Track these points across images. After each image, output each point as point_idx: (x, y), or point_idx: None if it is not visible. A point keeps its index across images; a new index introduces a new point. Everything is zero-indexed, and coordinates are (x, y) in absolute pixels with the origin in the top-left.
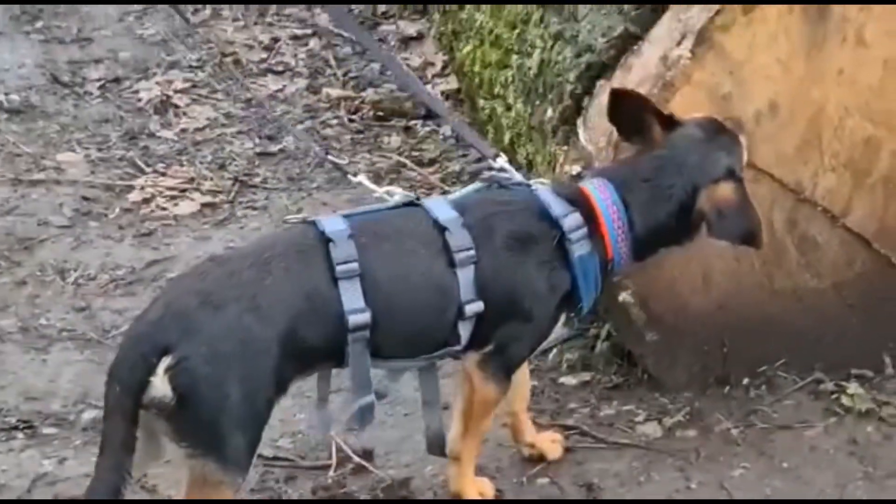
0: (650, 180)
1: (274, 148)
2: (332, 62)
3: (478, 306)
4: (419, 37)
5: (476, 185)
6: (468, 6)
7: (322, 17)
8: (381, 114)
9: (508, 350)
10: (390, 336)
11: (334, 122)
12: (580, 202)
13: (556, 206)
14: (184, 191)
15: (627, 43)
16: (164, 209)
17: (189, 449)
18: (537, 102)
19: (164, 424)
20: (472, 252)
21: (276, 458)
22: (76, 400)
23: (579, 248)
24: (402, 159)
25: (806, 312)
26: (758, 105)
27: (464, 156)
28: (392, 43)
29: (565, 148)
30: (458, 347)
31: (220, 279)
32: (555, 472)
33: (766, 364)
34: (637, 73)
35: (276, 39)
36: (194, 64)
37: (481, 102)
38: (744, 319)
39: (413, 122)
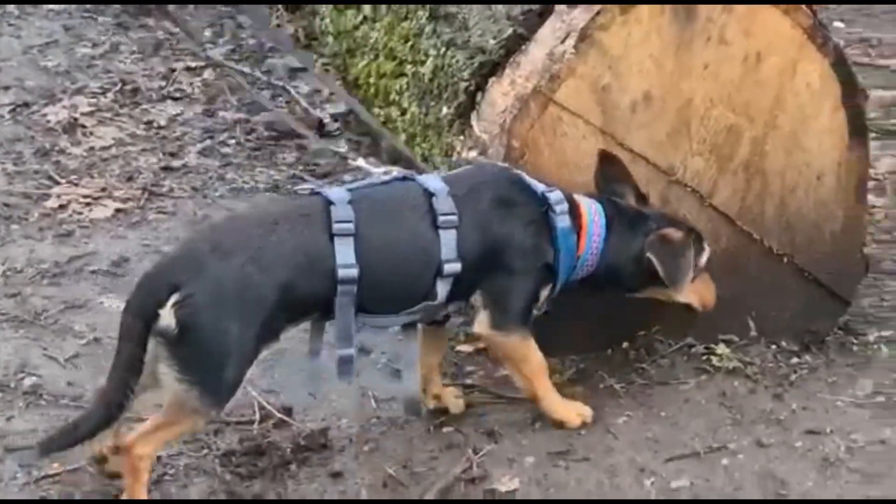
0: (629, 214)
1: (177, 163)
2: (226, 89)
3: (456, 266)
4: (305, 68)
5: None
6: (363, 26)
7: (215, 50)
8: (274, 133)
9: (506, 305)
10: (375, 291)
11: (231, 141)
12: (565, 197)
13: (539, 185)
14: (97, 198)
15: (516, 44)
16: (80, 214)
17: (180, 374)
18: (432, 103)
19: (164, 351)
20: (455, 217)
21: None
22: (16, 370)
23: (562, 221)
24: (299, 173)
25: None
26: (633, 96)
27: (357, 168)
28: (280, 74)
29: (461, 138)
30: (434, 303)
31: (232, 232)
32: (459, 423)
33: (644, 330)
34: (525, 69)
35: (172, 70)
36: (97, 91)
37: (376, 110)
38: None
39: (305, 140)
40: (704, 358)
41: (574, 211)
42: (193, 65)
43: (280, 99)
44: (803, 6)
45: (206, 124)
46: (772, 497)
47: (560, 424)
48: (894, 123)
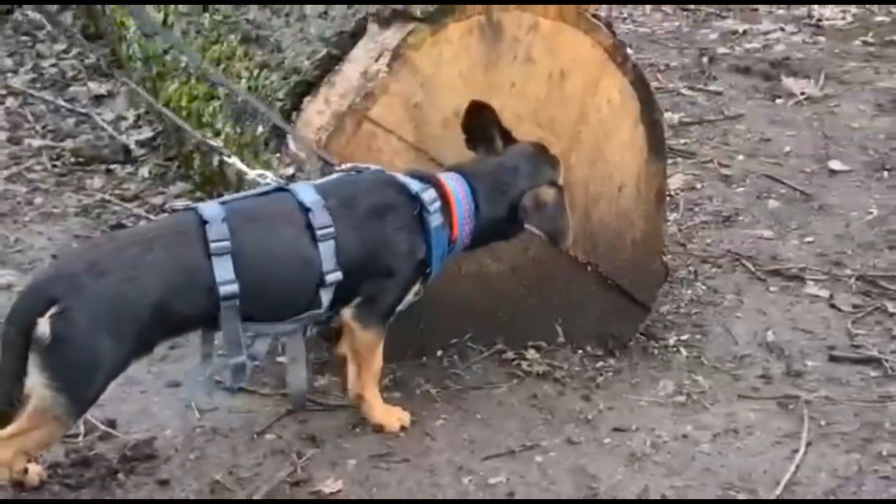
0: (493, 178)
1: None
2: (31, 117)
3: (337, 276)
4: (110, 94)
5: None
6: (173, 50)
7: (16, 79)
8: (81, 159)
9: (376, 302)
10: (258, 303)
11: (38, 167)
12: (435, 185)
13: (414, 184)
14: None
15: (330, 64)
16: None
17: (49, 381)
18: (247, 123)
19: (37, 358)
20: (332, 229)
21: None
22: None
23: (435, 220)
24: (107, 196)
25: (489, 293)
26: (445, 113)
27: (162, 192)
28: (84, 101)
29: (278, 155)
30: (320, 311)
31: (108, 251)
32: (281, 430)
33: (457, 338)
34: (340, 87)
35: None
36: None
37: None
38: (438, 300)
39: (113, 166)
40: (515, 363)
41: (444, 199)
42: None
43: (85, 125)
44: (603, 24)
45: (12, 150)
46: (584, 492)
47: (380, 428)
48: (683, 143)
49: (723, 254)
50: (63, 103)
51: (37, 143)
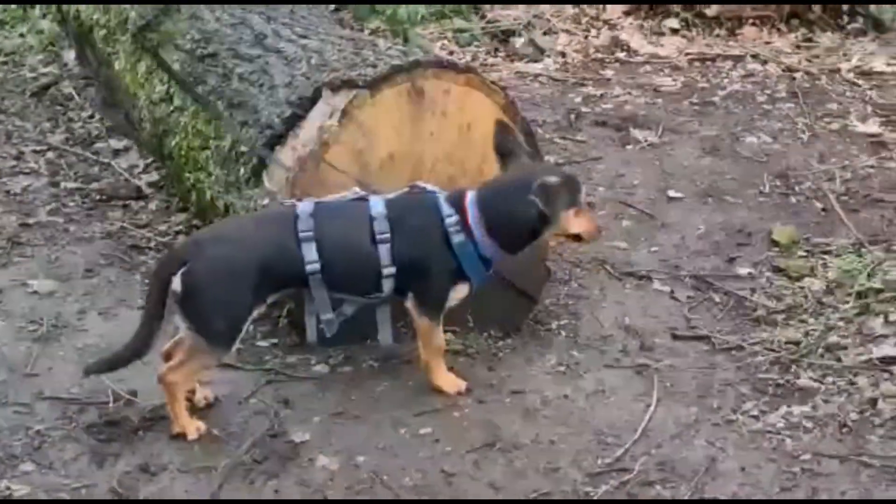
0: (500, 192)
1: (31, 220)
2: (65, 166)
3: (392, 269)
4: (126, 149)
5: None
6: (174, 114)
7: (53, 138)
8: (104, 197)
9: (423, 298)
10: (335, 279)
11: (72, 204)
12: (459, 205)
13: (446, 208)
14: None
15: (295, 121)
16: None
17: (188, 325)
18: (232, 166)
19: (175, 307)
20: (388, 235)
21: (70, 400)
22: None
23: (457, 238)
24: (125, 225)
25: None
26: (381, 156)
27: (167, 221)
28: (106, 154)
29: (257, 191)
30: (383, 295)
31: (229, 228)
32: (261, 396)
33: (394, 325)
34: (302, 138)
35: (22, 152)
36: None
37: (187, 174)
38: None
39: (129, 201)
40: None
41: (463, 215)
42: (38, 148)
43: (107, 172)
44: (499, 89)
45: (52, 192)
46: (491, 439)
47: (440, 390)
48: None
49: (590, 260)
50: (90, 155)
51: (70, 185)
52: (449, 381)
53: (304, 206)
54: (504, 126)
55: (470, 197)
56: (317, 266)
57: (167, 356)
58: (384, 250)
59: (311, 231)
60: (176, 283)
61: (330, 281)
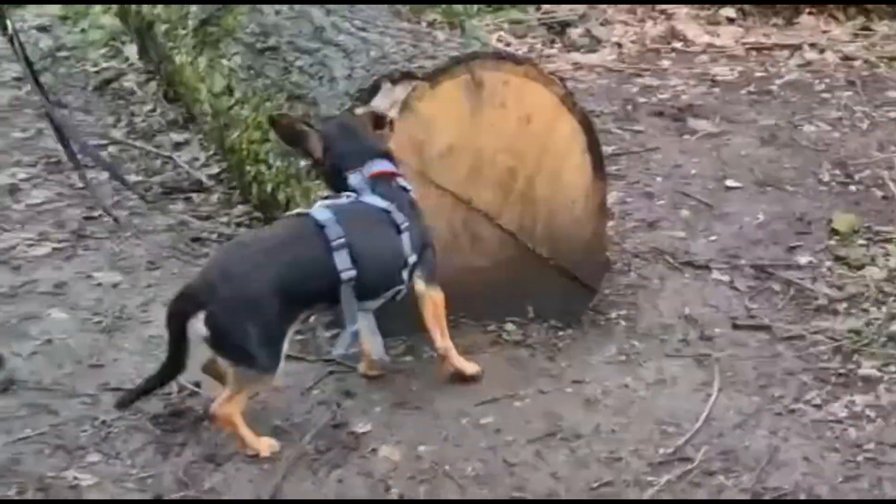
0: None
1: (95, 213)
2: (128, 160)
3: (414, 258)
4: (186, 142)
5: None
6: (235, 107)
7: (116, 132)
8: (166, 190)
9: (429, 267)
10: (365, 284)
11: (135, 196)
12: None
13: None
14: (38, 240)
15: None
16: (25, 252)
17: (226, 361)
18: (292, 160)
19: (209, 348)
20: (408, 224)
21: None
22: None
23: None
24: (186, 217)
25: (477, 282)
26: (441, 147)
27: (227, 213)
28: (167, 147)
29: (317, 183)
30: (402, 287)
31: (238, 257)
32: (323, 387)
33: (454, 315)
34: None
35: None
36: (30, 163)
37: (248, 167)
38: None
39: (190, 194)
40: (497, 334)
41: None
42: (101, 142)
43: (168, 165)
44: (557, 80)
45: (115, 185)
46: (552, 429)
47: (461, 375)
48: (616, 169)
49: (649, 250)
50: (152, 149)
51: (133, 178)
52: (468, 365)
53: (324, 214)
54: (279, 125)
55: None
56: (352, 273)
57: (209, 370)
58: (406, 239)
59: (343, 237)
60: (200, 329)
61: (360, 286)
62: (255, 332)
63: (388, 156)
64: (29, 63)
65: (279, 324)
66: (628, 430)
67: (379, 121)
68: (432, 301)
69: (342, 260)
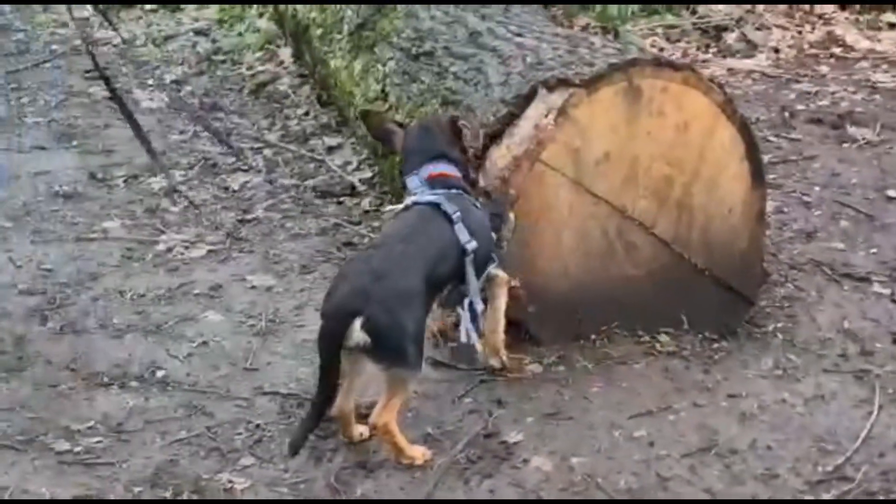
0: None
1: (250, 216)
2: (282, 163)
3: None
4: (339, 145)
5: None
6: (389, 112)
7: (270, 135)
8: (319, 194)
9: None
10: (478, 258)
11: (288, 200)
12: None
13: None
14: (194, 243)
15: (510, 119)
16: (182, 254)
17: (384, 366)
18: None
19: (365, 357)
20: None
21: (289, 395)
22: (148, 366)
23: None
24: (339, 221)
25: (631, 292)
26: (597, 154)
27: (380, 218)
28: (320, 151)
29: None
30: (496, 264)
31: (381, 259)
32: (475, 395)
33: (606, 325)
34: (518, 136)
35: (240, 149)
36: (187, 166)
37: (399, 172)
38: (591, 296)
39: (343, 198)
40: (651, 344)
41: None
42: (256, 146)
43: (321, 168)
44: (717, 86)
45: (269, 188)
46: (707, 443)
47: (499, 367)
48: (772, 178)
49: (806, 261)
50: (305, 152)
51: (286, 182)
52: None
53: (433, 196)
54: (369, 118)
55: None
56: (474, 244)
57: (342, 414)
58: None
59: (459, 211)
60: (359, 337)
61: (476, 260)
62: (411, 328)
63: (450, 158)
64: (97, 67)
65: (425, 316)
66: (785, 446)
67: (457, 127)
68: (504, 279)
69: (463, 233)
